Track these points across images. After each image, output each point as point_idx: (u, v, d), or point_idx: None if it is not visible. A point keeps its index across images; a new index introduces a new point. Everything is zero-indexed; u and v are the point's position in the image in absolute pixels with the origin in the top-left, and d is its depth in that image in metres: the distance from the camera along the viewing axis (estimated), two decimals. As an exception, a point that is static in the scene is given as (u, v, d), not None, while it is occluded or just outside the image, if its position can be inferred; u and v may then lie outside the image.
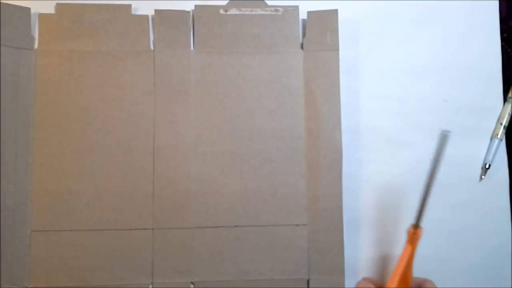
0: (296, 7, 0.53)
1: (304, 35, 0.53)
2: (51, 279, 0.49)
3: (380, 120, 0.54)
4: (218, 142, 0.51)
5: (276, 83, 0.52)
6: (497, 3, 0.56)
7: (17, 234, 0.49)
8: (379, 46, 0.55)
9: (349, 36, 0.54)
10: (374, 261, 0.52)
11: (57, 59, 0.51)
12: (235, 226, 0.51)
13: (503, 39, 0.56)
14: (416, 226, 0.45)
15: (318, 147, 0.52)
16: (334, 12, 0.53)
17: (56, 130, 0.51)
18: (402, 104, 0.54)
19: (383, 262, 0.52)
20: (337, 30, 0.53)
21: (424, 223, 0.53)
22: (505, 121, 0.54)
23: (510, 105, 0.54)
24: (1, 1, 0.51)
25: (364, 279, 0.51)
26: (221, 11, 0.53)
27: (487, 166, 0.53)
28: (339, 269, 0.50)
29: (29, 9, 0.52)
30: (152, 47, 0.52)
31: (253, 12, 0.53)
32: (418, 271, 0.47)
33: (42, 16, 0.52)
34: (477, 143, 0.54)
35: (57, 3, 0.52)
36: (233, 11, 0.53)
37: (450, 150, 0.53)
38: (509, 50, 0.56)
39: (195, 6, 0.53)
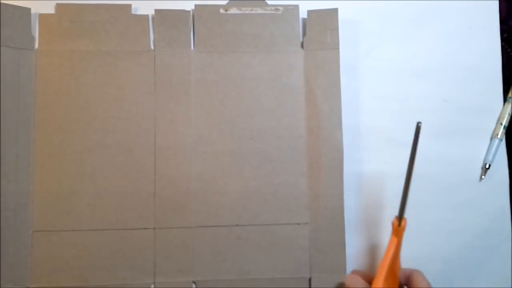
0: (296, 6, 0.53)
1: (304, 34, 0.53)
2: (53, 279, 0.49)
3: (380, 120, 0.54)
4: (218, 141, 0.52)
5: (276, 82, 0.52)
6: (497, 3, 0.56)
7: (18, 234, 0.49)
8: (379, 46, 0.55)
9: (349, 36, 0.54)
10: (373, 261, 0.53)
11: (57, 59, 0.51)
12: (237, 225, 0.51)
13: (503, 39, 0.56)
14: (400, 217, 0.45)
15: (319, 146, 0.52)
16: (334, 11, 0.53)
17: (57, 130, 0.51)
18: (402, 104, 0.54)
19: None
20: (337, 29, 0.53)
21: (424, 223, 0.53)
22: (505, 121, 0.54)
23: (510, 105, 0.54)
24: (2, 1, 0.51)
25: (354, 272, 0.51)
26: (221, 11, 0.53)
27: (487, 166, 0.53)
28: (341, 268, 0.51)
29: (29, 9, 0.52)
30: (152, 47, 0.52)
31: (253, 12, 0.53)
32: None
33: (42, 16, 0.52)
34: (477, 143, 0.54)
35: (57, 3, 0.52)
36: (233, 11, 0.53)
37: (450, 150, 0.54)
38: (509, 50, 0.56)
39: (195, 5, 0.53)
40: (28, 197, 0.50)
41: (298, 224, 0.51)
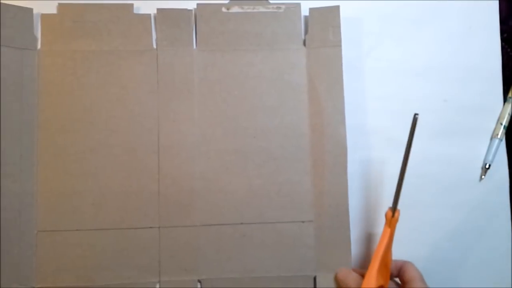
0: (298, 4, 0.53)
1: (306, 32, 0.53)
2: (58, 279, 0.49)
3: (380, 120, 0.54)
4: (222, 140, 0.52)
5: (279, 80, 0.53)
6: (497, 3, 0.56)
7: (23, 235, 0.49)
8: (379, 46, 0.55)
9: (349, 36, 0.54)
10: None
11: (60, 59, 0.51)
12: (241, 223, 0.51)
13: (503, 39, 0.56)
14: (394, 208, 0.45)
15: (323, 143, 0.52)
16: (336, 8, 0.53)
17: (60, 130, 0.51)
18: (402, 104, 0.55)
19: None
20: (339, 26, 0.53)
21: (424, 223, 0.54)
22: (505, 121, 0.54)
23: (510, 105, 0.55)
24: (4, 2, 0.50)
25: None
26: (223, 9, 0.53)
27: (487, 166, 0.54)
28: (346, 265, 0.51)
29: (31, 9, 0.51)
30: (154, 46, 0.52)
31: (255, 10, 0.53)
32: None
33: (44, 17, 0.52)
34: (477, 143, 0.55)
35: (59, 3, 0.52)
36: (235, 9, 0.53)
37: (450, 150, 0.55)
38: (509, 50, 0.56)
39: (197, 4, 0.53)
40: (32, 197, 0.50)
41: (303, 222, 0.51)
